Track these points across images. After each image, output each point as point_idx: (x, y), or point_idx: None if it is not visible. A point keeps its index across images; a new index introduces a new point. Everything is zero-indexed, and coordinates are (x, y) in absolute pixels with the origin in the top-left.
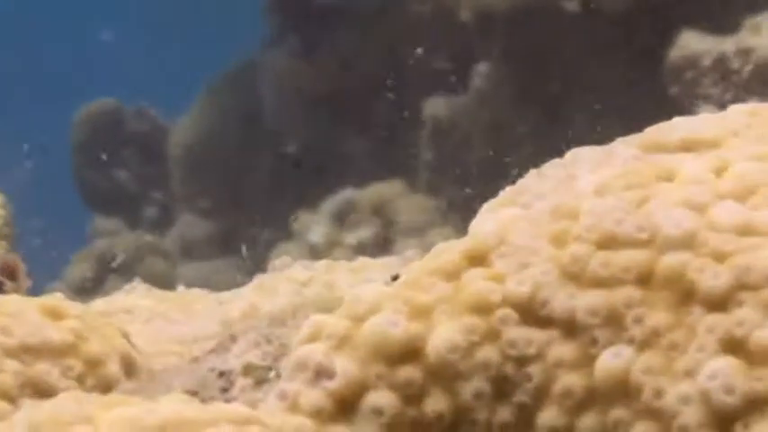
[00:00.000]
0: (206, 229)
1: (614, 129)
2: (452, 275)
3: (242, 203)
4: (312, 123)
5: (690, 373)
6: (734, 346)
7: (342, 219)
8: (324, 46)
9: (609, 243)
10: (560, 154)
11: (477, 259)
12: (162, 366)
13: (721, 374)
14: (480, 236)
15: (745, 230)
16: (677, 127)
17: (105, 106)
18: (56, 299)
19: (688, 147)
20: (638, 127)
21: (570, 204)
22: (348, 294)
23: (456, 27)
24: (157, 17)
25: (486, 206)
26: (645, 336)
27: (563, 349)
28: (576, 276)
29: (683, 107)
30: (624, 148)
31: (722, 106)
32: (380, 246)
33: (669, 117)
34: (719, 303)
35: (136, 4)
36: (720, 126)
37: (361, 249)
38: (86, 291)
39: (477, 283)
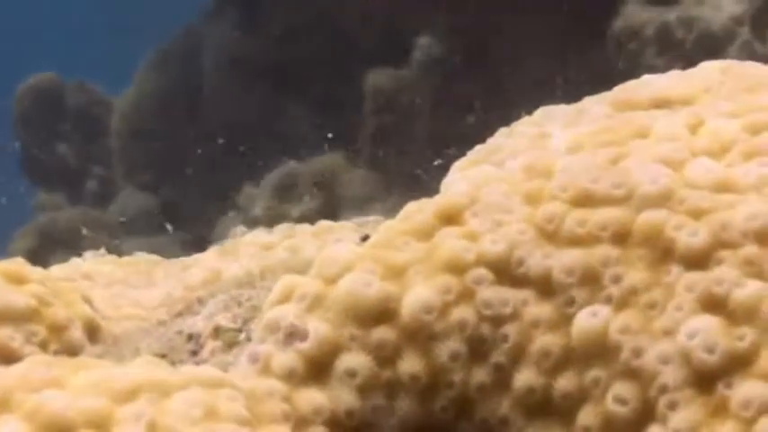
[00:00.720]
0: (147, 203)
1: (557, 100)
2: (426, 235)
3: (183, 177)
4: (253, 96)
5: (669, 332)
6: (714, 304)
7: (284, 192)
8: (264, 18)
9: (585, 201)
10: (503, 125)
11: (451, 218)
12: (125, 331)
13: (702, 333)
14: (453, 194)
15: (722, 187)
16: (648, 84)
17: (45, 81)
18: (17, 263)
19: (659, 104)
20: (581, 97)
21: (544, 162)
22: (319, 255)
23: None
24: None
25: (457, 164)
26: (622, 295)
27: (539, 309)
28: (551, 235)
29: (626, 79)
30: (595, 106)
31: None
32: (323, 218)
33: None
34: (698, 261)
35: None
36: (692, 83)
37: (304, 222)
38: (32, 264)
39: (450, 241)
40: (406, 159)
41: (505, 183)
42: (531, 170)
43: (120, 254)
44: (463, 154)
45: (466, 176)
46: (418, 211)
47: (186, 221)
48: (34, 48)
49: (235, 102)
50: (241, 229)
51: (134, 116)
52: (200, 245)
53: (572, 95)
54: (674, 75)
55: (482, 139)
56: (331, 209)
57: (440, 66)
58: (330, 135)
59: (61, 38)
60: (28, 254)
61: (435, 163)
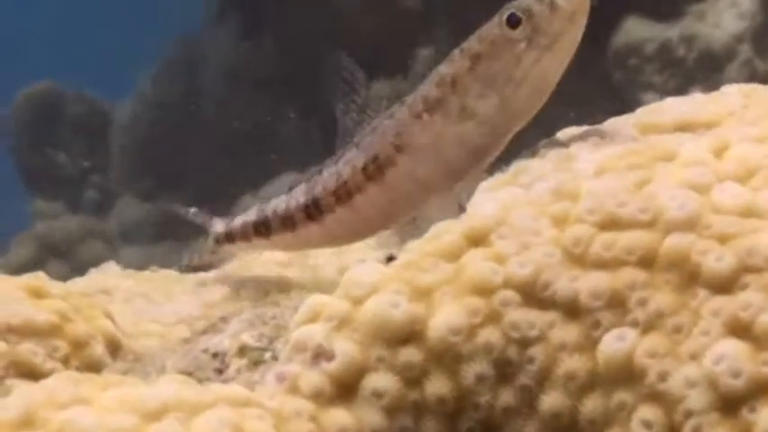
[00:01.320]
0: (146, 212)
1: (556, 114)
2: (453, 256)
3: (182, 186)
4: (252, 106)
5: (695, 357)
6: (740, 329)
7: None
8: (265, 29)
9: (611, 224)
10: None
11: (478, 239)
12: (144, 348)
13: (728, 358)
14: (480, 216)
15: (748, 212)
16: (672, 107)
17: (44, 89)
18: (39, 278)
19: (684, 127)
20: (581, 112)
21: (571, 185)
22: (345, 275)
23: (399, 12)
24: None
25: (484, 185)
26: (649, 318)
27: (566, 332)
28: (578, 258)
29: (625, 94)
30: (621, 128)
31: (666, 93)
32: None
33: (612, 104)
34: (724, 286)
35: None
36: (716, 106)
37: None
38: (27, 273)
39: (478, 263)
40: None
41: (533, 205)
42: (558, 193)
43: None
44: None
45: (493, 198)
46: (446, 231)
47: (183, 231)
48: (33, 55)
49: (235, 111)
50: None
51: (132, 127)
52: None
53: (575, 108)
54: (698, 98)
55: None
56: None
57: None
58: (329, 145)
59: (61, 45)
60: (26, 262)
61: None
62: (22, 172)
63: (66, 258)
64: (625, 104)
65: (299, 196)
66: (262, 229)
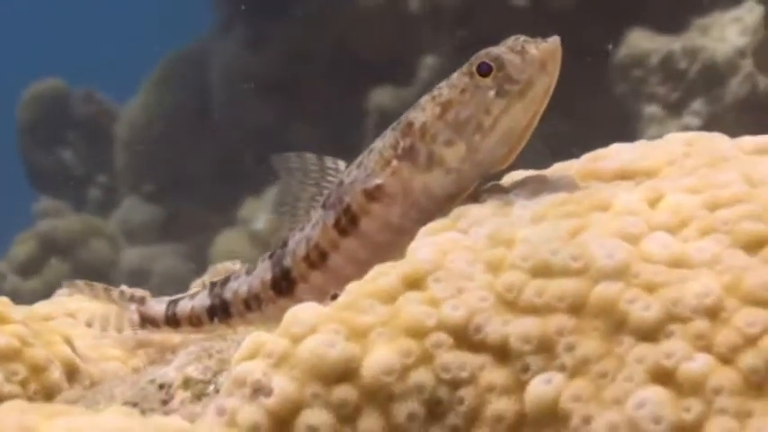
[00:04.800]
0: (149, 213)
1: (558, 125)
2: (389, 298)
3: (186, 189)
4: (259, 112)
5: (618, 402)
6: (662, 376)
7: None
8: (272, 36)
9: (544, 271)
10: None
11: (414, 283)
12: (103, 372)
13: (649, 403)
14: (417, 260)
15: (677, 263)
16: (615, 155)
17: (51, 87)
18: (1, 303)
19: (624, 175)
20: (581, 124)
21: (507, 231)
22: (287, 313)
23: (405, 19)
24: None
25: (424, 229)
26: (576, 364)
27: (495, 374)
28: (510, 303)
29: (628, 106)
30: (562, 175)
31: (668, 106)
32: None
33: (615, 116)
34: (649, 334)
35: None
36: (656, 155)
37: None
38: (29, 271)
39: (412, 306)
40: None
41: (469, 250)
42: (494, 239)
43: (118, 262)
44: None
45: (432, 242)
46: (383, 274)
47: (186, 233)
48: (41, 53)
49: (240, 117)
50: (223, 265)
51: (139, 128)
52: (199, 257)
53: (578, 120)
54: (641, 145)
55: None
56: None
57: None
58: (334, 152)
59: (70, 43)
60: (28, 260)
61: None
62: (27, 170)
63: (67, 257)
64: (628, 116)
65: (264, 273)
66: (219, 313)
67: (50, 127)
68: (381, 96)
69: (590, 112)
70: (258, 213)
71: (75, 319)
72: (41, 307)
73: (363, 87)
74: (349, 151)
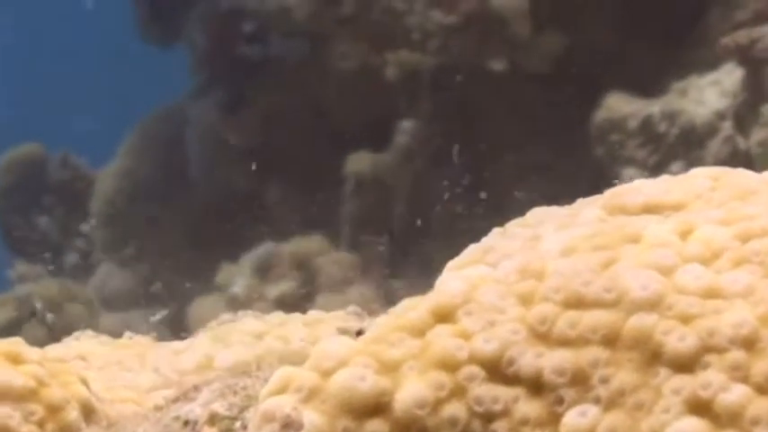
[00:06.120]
0: (125, 279)
1: (538, 190)
2: (419, 332)
3: (162, 254)
4: (235, 177)
5: None
6: (699, 407)
7: (263, 272)
8: (249, 100)
9: (576, 303)
10: (484, 214)
11: (444, 316)
12: (119, 414)
13: None
14: (447, 293)
15: (710, 294)
16: (639, 189)
17: (29, 152)
18: (15, 343)
19: (651, 209)
20: (562, 188)
21: (537, 264)
22: (315, 348)
23: (381, 84)
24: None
25: (451, 263)
26: (611, 395)
27: (529, 407)
28: (543, 336)
29: (607, 169)
30: (588, 209)
31: (646, 169)
32: (301, 300)
33: (593, 179)
34: (685, 365)
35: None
36: (683, 189)
37: (282, 303)
38: (4, 335)
39: (443, 340)
40: (385, 243)
41: (499, 283)
42: (524, 271)
43: (95, 328)
44: (441, 241)
45: (461, 275)
46: (412, 308)
47: (163, 299)
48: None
49: (216, 181)
50: (228, 316)
51: (115, 193)
52: (176, 323)
53: (556, 184)
54: (665, 180)
55: (463, 223)
56: (309, 290)
57: (422, 151)
58: (310, 217)
59: (47, 108)
60: (3, 325)
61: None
62: (4, 235)
63: (44, 321)
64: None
65: None
66: None
67: (27, 192)
68: (359, 161)
69: (568, 174)
70: (235, 278)
71: (87, 362)
72: (52, 349)
73: (340, 152)
74: (326, 217)
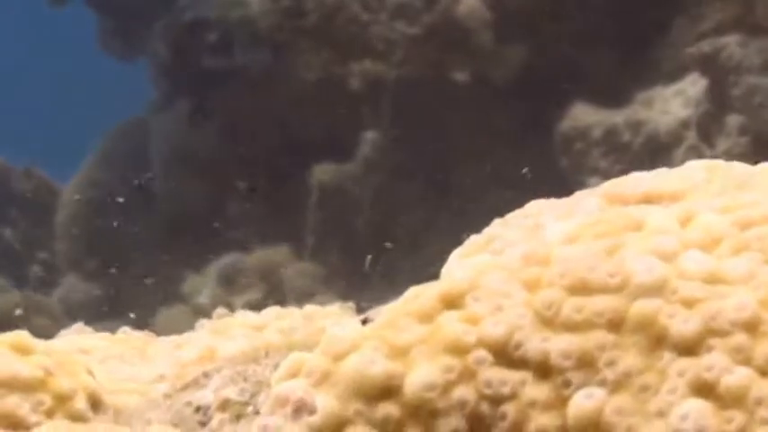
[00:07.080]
0: (90, 291)
1: (503, 199)
2: (428, 317)
3: (127, 266)
4: (198, 188)
5: (662, 414)
6: (704, 389)
7: (229, 282)
8: (212, 111)
9: (581, 288)
10: (449, 222)
11: (452, 302)
12: (125, 404)
13: (693, 415)
14: (455, 279)
15: (712, 279)
16: (638, 180)
17: None
18: (22, 336)
19: (650, 199)
20: (526, 198)
21: (542, 251)
22: (325, 334)
23: (345, 94)
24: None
25: (456, 252)
26: (617, 378)
27: (537, 390)
28: (549, 320)
29: (571, 179)
30: (588, 200)
31: (610, 178)
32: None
33: (557, 189)
34: (690, 348)
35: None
36: (681, 180)
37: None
38: None
39: (452, 324)
40: (349, 254)
41: (505, 270)
42: (529, 258)
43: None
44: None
45: (466, 263)
46: (420, 294)
47: (128, 310)
48: None
49: (179, 193)
50: (222, 310)
51: (79, 205)
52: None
53: (520, 193)
54: (662, 172)
55: (427, 234)
56: (274, 301)
57: (385, 161)
58: (275, 228)
59: (11, 119)
60: None
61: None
62: None
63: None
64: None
65: None
66: None
67: None
68: (323, 172)
69: (532, 185)
70: (201, 288)
71: (89, 355)
72: (55, 343)
73: (303, 162)
74: (290, 228)
